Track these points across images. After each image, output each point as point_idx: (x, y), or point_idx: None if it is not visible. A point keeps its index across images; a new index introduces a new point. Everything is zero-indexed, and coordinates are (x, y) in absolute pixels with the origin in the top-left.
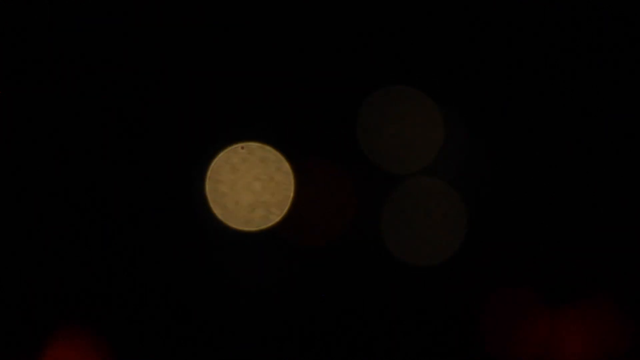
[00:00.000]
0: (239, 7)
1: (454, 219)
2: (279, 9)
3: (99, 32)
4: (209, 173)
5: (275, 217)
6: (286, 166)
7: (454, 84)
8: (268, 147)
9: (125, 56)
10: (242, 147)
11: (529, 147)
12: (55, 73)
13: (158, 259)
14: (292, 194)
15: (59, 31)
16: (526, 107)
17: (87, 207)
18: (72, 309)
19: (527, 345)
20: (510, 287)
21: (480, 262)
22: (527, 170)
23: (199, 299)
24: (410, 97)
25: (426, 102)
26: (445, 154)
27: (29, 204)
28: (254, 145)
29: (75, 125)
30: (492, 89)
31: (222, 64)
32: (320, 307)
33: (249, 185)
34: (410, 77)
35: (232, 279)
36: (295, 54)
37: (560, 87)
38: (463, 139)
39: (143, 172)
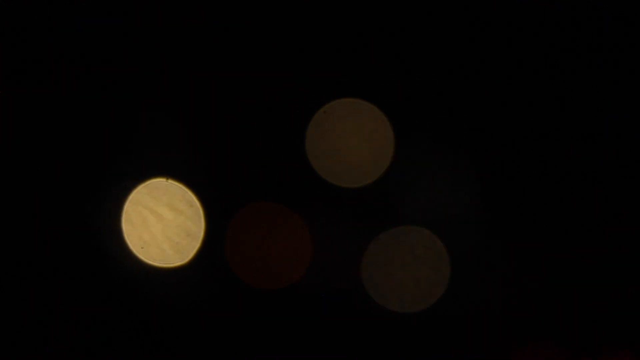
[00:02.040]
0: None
1: (436, 264)
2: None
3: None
4: (126, 206)
5: (185, 256)
6: (196, 202)
7: (407, 97)
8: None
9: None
10: (167, 180)
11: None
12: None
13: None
14: (202, 233)
15: (59, 31)
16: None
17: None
18: None
19: None
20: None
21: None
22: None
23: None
24: (359, 110)
25: (375, 114)
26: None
27: None
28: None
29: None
30: (452, 101)
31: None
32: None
33: (160, 220)
34: (360, 90)
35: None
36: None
37: (528, 97)
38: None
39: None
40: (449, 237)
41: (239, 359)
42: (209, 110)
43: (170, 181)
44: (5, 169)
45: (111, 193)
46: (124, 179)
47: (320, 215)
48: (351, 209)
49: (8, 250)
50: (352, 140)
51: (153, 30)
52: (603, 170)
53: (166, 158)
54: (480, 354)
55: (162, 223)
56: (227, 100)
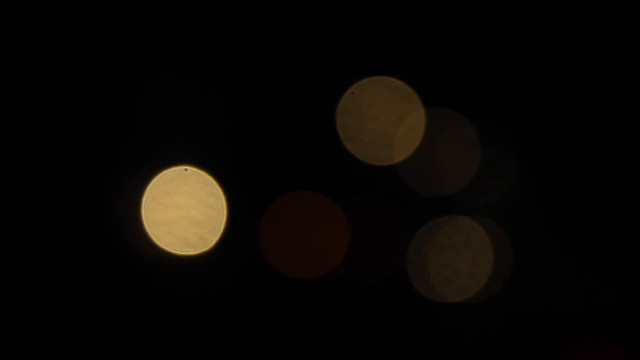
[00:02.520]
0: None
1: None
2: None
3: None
4: (146, 193)
5: (208, 241)
6: (219, 190)
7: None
8: (203, 172)
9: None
10: (186, 169)
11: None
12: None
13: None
14: (224, 218)
15: (60, 31)
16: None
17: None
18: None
19: None
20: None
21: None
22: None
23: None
24: (391, 88)
25: (407, 91)
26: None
27: None
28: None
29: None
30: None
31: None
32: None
33: (184, 207)
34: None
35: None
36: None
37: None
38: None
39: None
40: (503, 227)
41: (273, 349)
42: (233, 95)
43: (191, 169)
44: (24, 158)
45: (130, 182)
46: (143, 168)
47: (358, 203)
48: (390, 196)
49: (26, 240)
50: (383, 118)
51: (170, 17)
52: None
53: (188, 145)
54: (533, 351)
55: (182, 211)
56: (252, 85)
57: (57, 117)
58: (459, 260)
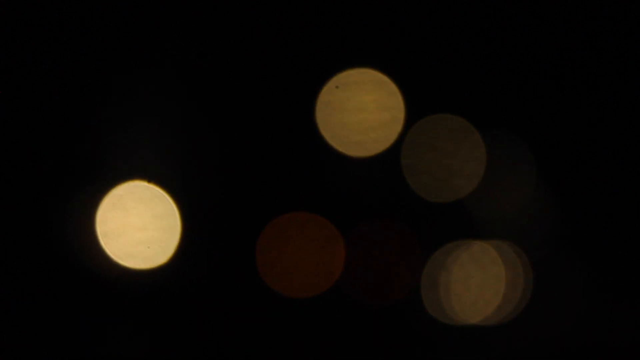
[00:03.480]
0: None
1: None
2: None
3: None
4: (99, 211)
5: (163, 255)
6: (172, 205)
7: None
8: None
9: None
10: (148, 182)
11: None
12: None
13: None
14: (179, 231)
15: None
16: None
17: None
18: None
19: None
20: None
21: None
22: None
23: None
24: (370, 81)
25: (386, 85)
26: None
27: None
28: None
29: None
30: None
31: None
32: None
33: (138, 223)
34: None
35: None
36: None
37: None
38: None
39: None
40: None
41: None
42: (204, 105)
43: (150, 184)
44: None
45: (85, 196)
46: (98, 181)
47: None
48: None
49: None
50: (363, 111)
51: (146, 29)
52: None
53: (145, 159)
54: None
55: (136, 225)
56: (223, 90)
57: (13, 128)
58: (473, 283)
